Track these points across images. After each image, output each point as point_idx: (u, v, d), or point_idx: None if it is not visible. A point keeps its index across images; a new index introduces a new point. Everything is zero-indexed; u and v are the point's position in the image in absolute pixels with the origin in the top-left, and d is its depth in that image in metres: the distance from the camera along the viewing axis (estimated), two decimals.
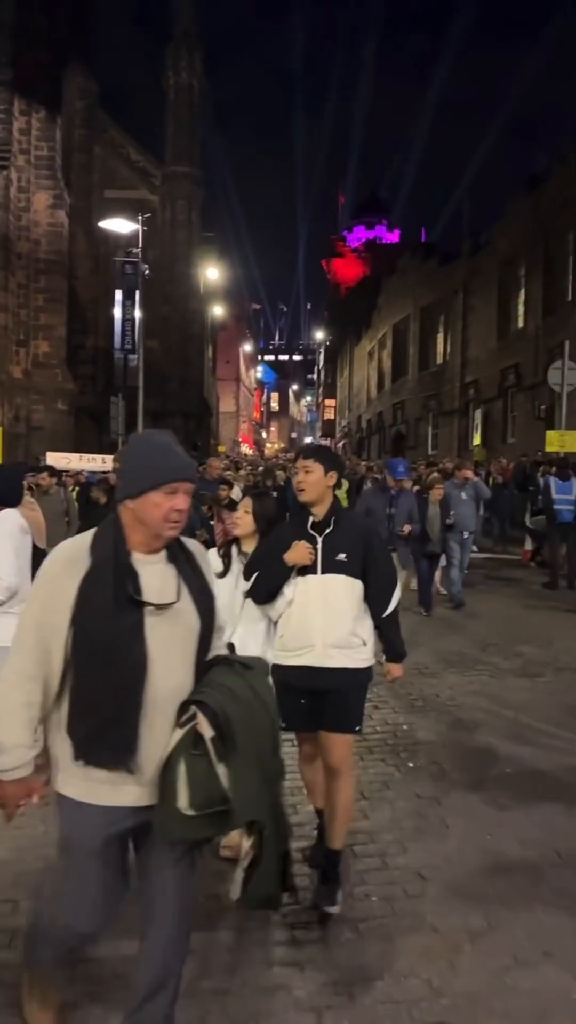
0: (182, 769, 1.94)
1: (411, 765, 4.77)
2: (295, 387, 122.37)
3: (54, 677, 2.01)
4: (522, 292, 27.10)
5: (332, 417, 73.56)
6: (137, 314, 25.52)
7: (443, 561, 9.63)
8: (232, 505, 9.04)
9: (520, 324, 27.13)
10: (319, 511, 3.24)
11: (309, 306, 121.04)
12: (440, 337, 35.82)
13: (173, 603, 2.03)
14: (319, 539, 3.18)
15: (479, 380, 29.98)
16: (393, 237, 73.00)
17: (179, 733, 1.98)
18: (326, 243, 79.20)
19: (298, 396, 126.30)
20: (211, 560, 3.29)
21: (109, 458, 21.85)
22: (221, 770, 1.94)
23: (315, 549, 3.17)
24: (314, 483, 3.21)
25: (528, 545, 13.83)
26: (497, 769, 4.73)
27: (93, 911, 2.13)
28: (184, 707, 2.00)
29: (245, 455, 47.89)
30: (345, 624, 3.15)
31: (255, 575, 3.30)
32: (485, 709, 5.90)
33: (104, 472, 16.74)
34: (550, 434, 16.13)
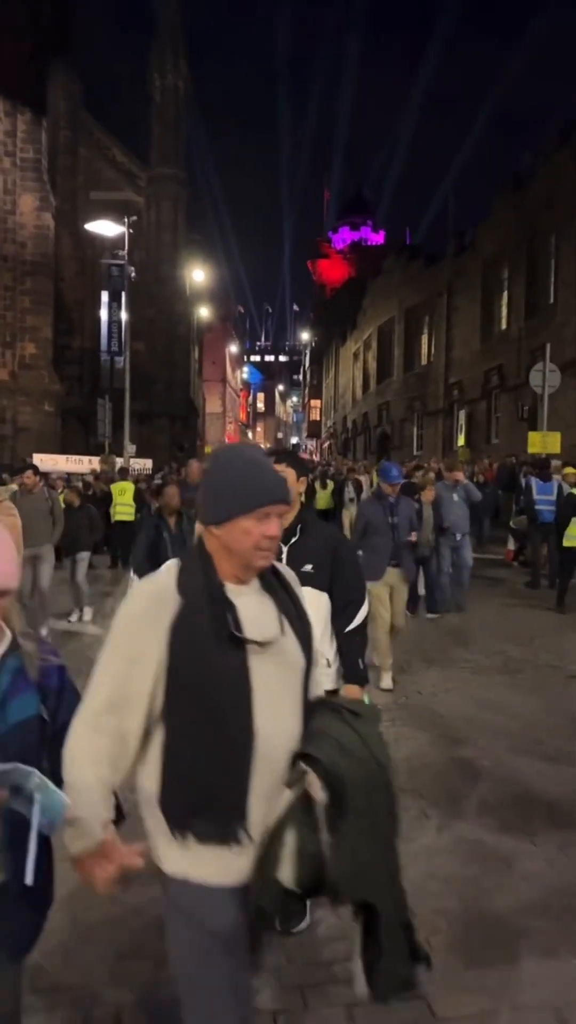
0: (291, 840, 1.67)
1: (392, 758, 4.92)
2: (281, 388, 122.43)
3: (134, 735, 1.73)
4: (505, 294, 27.39)
5: (318, 418, 73.80)
6: (123, 316, 25.60)
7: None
8: None
9: (503, 326, 27.42)
10: (286, 518, 3.00)
11: (296, 307, 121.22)
12: (424, 338, 36.10)
13: (276, 639, 1.78)
14: (284, 548, 3.02)
15: (463, 381, 30.26)
16: (378, 238, 73.30)
17: (289, 796, 1.70)
18: (312, 244, 79.42)
19: (284, 396, 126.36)
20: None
21: (96, 459, 21.99)
22: (326, 839, 1.67)
23: (280, 558, 3.01)
24: None
25: (511, 545, 14.05)
26: (476, 763, 4.90)
27: (226, 1017, 1.74)
28: (292, 762, 1.74)
29: None
30: None
31: None
32: (465, 705, 6.07)
33: (81, 474, 16.71)
34: (532, 435, 16.39)
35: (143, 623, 1.74)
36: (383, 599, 6.53)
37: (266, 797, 1.71)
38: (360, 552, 6.30)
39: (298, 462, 3.22)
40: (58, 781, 1.72)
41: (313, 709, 1.83)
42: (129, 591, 1.86)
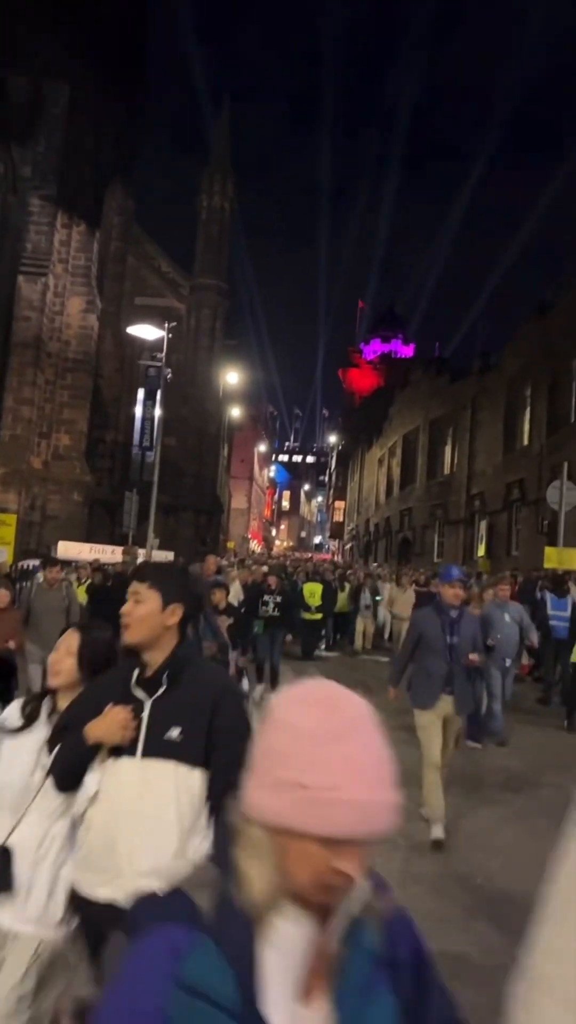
0: None
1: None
2: (307, 487, 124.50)
3: None
4: (528, 411, 28.15)
5: (341, 519, 74.61)
6: (157, 413, 26.65)
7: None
8: (228, 611, 8.38)
9: (525, 441, 28.04)
10: (152, 659, 2.25)
11: (326, 412, 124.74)
12: (448, 449, 36.89)
13: None
14: (147, 703, 2.18)
15: (484, 492, 30.71)
16: (408, 351, 75.93)
17: None
18: (344, 354, 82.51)
19: (309, 496, 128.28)
20: (8, 715, 2.58)
21: (119, 549, 22.42)
22: None
23: (138, 718, 2.16)
24: (143, 618, 2.25)
25: (526, 659, 13.99)
26: (469, 880, 4.90)
27: None
28: None
29: (252, 552, 48.45)
30: (168, 840, 2.07)
31: (56, 748, 2.32)
32: (463, 819, 6.06)
33: (89, 562, 16.33)
34: (548, 550, 16.56)
35: None
36: (431, 731, 5.63)
37: None
38: (401, 668, 6.03)
39: (166, 581, 2.33)
40: None
41: None
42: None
